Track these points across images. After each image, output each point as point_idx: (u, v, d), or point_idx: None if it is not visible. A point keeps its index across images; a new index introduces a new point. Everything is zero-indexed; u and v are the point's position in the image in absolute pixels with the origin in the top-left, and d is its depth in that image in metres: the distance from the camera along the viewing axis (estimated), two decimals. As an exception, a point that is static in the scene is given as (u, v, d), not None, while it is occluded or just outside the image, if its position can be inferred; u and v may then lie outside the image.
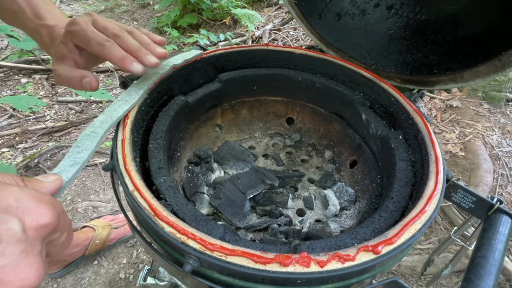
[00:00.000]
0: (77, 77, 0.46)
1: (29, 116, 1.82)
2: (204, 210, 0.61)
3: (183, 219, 0.41)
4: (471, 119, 1.76)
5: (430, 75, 0.69)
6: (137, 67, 0.47)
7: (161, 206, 0.40)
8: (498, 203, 0.50)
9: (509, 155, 1.57)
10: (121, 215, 1.23)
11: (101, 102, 1.96)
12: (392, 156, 0.58)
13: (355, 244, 0.39)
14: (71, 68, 0.46)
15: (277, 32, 2.41)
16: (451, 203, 0.88)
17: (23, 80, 2.09)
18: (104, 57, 0.45)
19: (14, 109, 1.83)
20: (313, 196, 0.68)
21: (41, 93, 2.00)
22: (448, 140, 1.64)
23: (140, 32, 0.51)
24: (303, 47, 0.78)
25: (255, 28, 2.38)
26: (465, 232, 0.86)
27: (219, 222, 0.59)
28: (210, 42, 2.26)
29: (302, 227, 0.61)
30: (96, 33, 0.45)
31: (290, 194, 0.67)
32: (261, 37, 2.32)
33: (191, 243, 0.37)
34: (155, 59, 0.49)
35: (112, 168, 0.46)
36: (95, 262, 1.13)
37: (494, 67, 0.57)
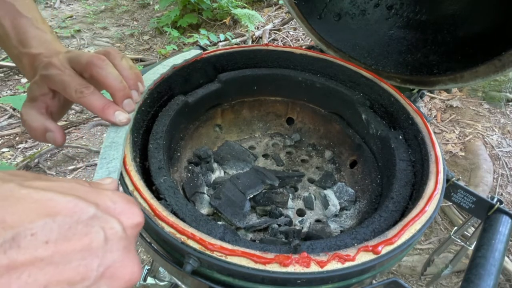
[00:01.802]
0: (41, 129, 0.41)
1: (29, 116, 1.82)
2: (204, 210, 0.61)
3: (183, 219, 0.41)
4: (471, 119, 1.76)
5: (430, 75, 0.69)
6: (121, 118, 0.42)
7: (161, 206, 0.40)
8: (498, 203, 0.50)
9: (509, 155, 1.57)
10: (121, 215, 1.22)
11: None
12: (392, 156, 0.58)
13: (355, 244, 0.39)
14: (38, 115, 0.41)
15: (277, 32, 2.41)
16: (451, 203, 0.88)
17: (23, 80, 2.09)
18: (84, 105, 0.40)
19: (14, 109, 1.83)
20: (313, 196, 0.68)
21: (41, 93, 2.00)
22: (448, 140, 1.64)
23: (117, 55, 0.44)
24: (303, 47, 0.78)
25: (255, 28, 2.38)
26: (465, 232, 0.86)
27: (219, 222, 0.59)
28: (210, 42, 2.26)
29: (302, 227, 0.61)
30: (73, 78, 0.39)
31: (290, 194, 0.67)
32: (261, 37, 2.32)
33: (191, 243, 0.37)
34: (132, 105, 0.44)
35: (112, 168, 0.45)
36: (95, 262, 1.13)
37: (494, 67, 0.57)
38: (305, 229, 0.60)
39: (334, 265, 0.36)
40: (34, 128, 0.41)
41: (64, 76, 0.39)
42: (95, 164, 1.51)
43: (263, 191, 0.65)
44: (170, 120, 0.59)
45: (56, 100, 0.42)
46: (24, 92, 1.97)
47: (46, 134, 0.41)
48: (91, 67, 0.40)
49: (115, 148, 0.43)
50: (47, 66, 0.40)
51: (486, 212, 0.52)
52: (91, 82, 0.41)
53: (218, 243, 0.37)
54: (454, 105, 1.82)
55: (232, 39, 2.30)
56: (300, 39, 2.36)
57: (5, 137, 1.68)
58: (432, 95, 1.86)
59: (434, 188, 0.46)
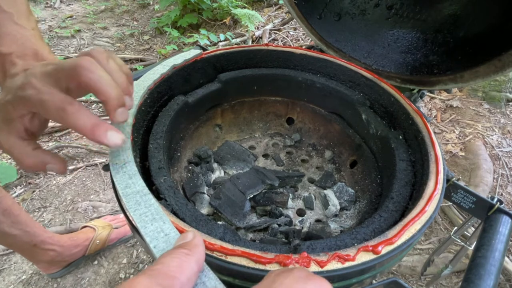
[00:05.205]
0: (38, 165, 0.36)
1: (29, 116, 1.82)
2: (204, 210, 0.61)
3: (183, 219, 0.41)
4: (471, 119, 1.75)
5: (430, 75, 0.69)
6: (114, 139, 0.35)
7: (161, 206, 0.40)
8: (498, 203, 0.50)
9: (509, 155, 1.57)
10: (121, 215, 1.23)
11: (101, 102, 1.95)
12: (392, 156, 0.58)
13: (355, 244, 0.39)
14: (20, 143, 0.36)
15: (277, 32, 2.41)
16: (451, 203, 0.88)
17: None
18: (68, 126, 0.34)
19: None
20: (313, 196, 0.68)
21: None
22: (448, 140, 1.64)
23: (101, 56, 0.37)
24: (303, 47, 0.78)
25: (255, 28, 2.38)
26: (465, 232, 0.86)
27: (219, 222, 0.59)
28: (210, 42, 2.26)
29: (302, 227, 0.61)
30: (53, 95, 0.33)
31: (290, 194, 0.67)
32: (261, 37, 2.32)
33: (191, 243, 0.37)
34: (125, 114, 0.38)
35: (112, 168, 0.45)
36: (95, 262, 1.13)
37: (494, 67, 0.57)
38: (305, 229, 0.60)
39: (334, 265, 0.36)
40: (29, 165, 0.36)
41: (43, 94, 0.33)
42: (95, 164, 1.51)
43: (263, 191, 0.65)
44: (170, 120, 0.59)
45: (36, 120, 0.37)
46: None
47: (46, 167, 0.37)
48: (79, 72, 0.33)
49: (122, 151, 0.42)
50: (24, 87, 0.34)
51: (486, 212, 0.52)
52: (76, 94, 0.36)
53: (218, 243, 0.37)
54: (454, 105, 1.82)
55: (232, 39, 2.30)
56: (300, 39, 2.36)
57: (5, 137, 1.67)
58: (432, 95, 1.86)
59: (434, 188, 0.46)
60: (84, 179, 1.44)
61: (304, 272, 0.25)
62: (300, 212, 0.66)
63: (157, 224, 0.33)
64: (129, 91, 0.40)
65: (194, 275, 0.26)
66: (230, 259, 0.35)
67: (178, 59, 0.64)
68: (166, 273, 0.24)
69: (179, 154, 0.68)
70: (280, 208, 0.64)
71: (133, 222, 0.34)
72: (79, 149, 1.59)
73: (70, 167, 1.47)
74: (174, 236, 0.32)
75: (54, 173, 0.38)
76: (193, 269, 0.26)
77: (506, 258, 1.14)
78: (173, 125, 0.61)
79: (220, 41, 2.27)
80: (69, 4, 3.08)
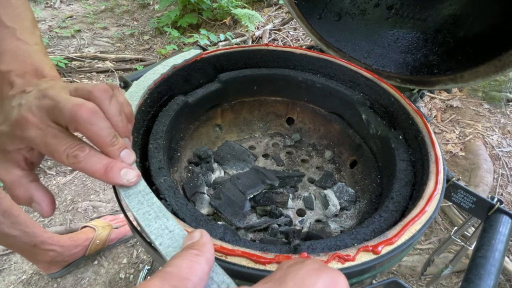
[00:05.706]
0: (25, 198, 0.34)
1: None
2: (204, 210, 0.61)
3: (183, 219, 0.41)
4: (471, 119, 1.75)
5: (430, 75, 0.69)
6: (129, 177, 0.35)
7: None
8: (498, 203, 0.50)
9: (509, 155, 1.57)
10: (121, 215, 1.23)
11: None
12: (392, 156, 0.58)
13: (355, 244, 0.39)
14: (17, 172, 0.34)
15: (277, 32, 2.41)
16: (451, 203, 0.88)
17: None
18: (80, 171, 0.33)
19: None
20: (313, 196, 0.68)
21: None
22: (448, 140, 1.64)
23: (104, 97, 0.35)
24: (303, 47, 0.78)
25: (255, 28, 2.38)
26: (465, 232, 0.86)
27: (219, 222, 0.59)
28: (210, 42, 2.26)
29: (302, 227, 0.61)
30: (59, 138, 0.32)
31: (290, 194, 0.67)
32: (261, 37, 2.32)
33: (191, 243, 0.37)
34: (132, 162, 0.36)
35: (112, 168, 0.45)
36: (95, 262, 1.13)
37: (494, 67, 0.57)
38: (305, 229, 0.60)
39: (334, 265, 0.36)
40: (17, 196, 0.34)
41: (48, 137, 0.31)
42: (95, 164, 1.51)
43: (263, 191, 0.65)
44: (170, 120, 0.59)
45: (35, 151, 0.35)
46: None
47: (31, 204, 0.34)
48: (78, 121, 0.31)
49: None
50: (22, 124, 0.32)
51: (486, 212, 0.52)
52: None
53: (218, 243, 0.37)
54: (454, 105, 1.82)
55: (232, 39, 2.30)
56: (300, 39, 2.36)
57: (5, 137, 1.67)
58: (432, 95, 1.86)
59: (434, 188, 0.46)
60: (84, 179, 1.44)
61: (318, 264, 0.25)
62: (300, 212, 0.66)
63: (161, 222, 0.33)
64: (128, 133, 0.38)
65: (205, 274, 0.26)
66: (230, 259, 0.35)
67: (178, 59, 0.64)
68: (178, 275, 0.24)
69: (179, 154, 0.68)
70: (280, 208, 0.64)
71: (136, 221, 0.34)
72: (79, 149, 1.59)
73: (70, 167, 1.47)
74: (178, 232, 0.32)
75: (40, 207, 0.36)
76: (204, 269, 0.26)
77: (506, 258, 1.14)
78: (173, 125, 0.61)
79: (220, 41, 2.27)
80: (69, 4, 3.08)
